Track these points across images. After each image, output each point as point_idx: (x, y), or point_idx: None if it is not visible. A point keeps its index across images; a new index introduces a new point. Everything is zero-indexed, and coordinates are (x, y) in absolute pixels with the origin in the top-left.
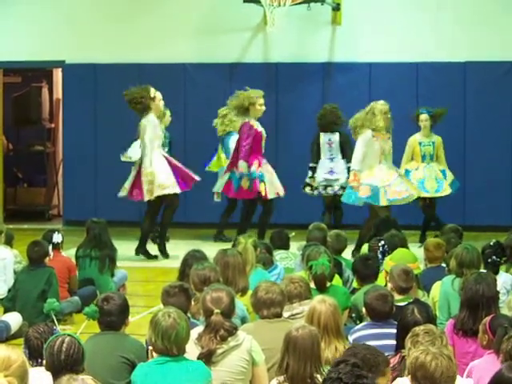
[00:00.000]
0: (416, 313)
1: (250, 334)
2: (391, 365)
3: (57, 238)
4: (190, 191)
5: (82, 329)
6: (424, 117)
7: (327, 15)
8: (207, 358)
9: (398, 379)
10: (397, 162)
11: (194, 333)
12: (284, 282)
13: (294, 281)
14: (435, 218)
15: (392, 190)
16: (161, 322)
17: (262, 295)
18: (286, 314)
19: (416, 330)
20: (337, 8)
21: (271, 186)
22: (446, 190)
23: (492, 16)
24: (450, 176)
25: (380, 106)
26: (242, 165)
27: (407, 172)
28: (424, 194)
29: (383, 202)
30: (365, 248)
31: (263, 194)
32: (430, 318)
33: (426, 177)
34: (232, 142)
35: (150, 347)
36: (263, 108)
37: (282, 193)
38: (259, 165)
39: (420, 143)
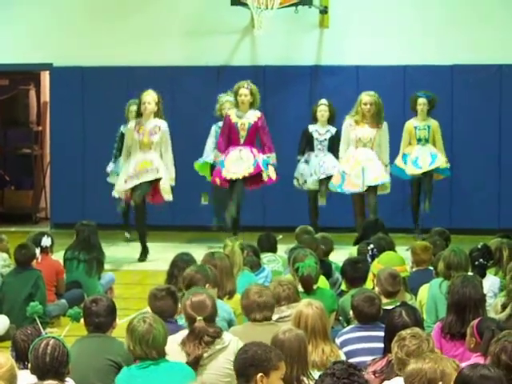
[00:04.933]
0: (404, 315)
1: (239, 337)
2: (379, 368)
3: (46, 241)
4: (179, 194)
5: (67, 331)
6: (422, 101)
7: (315, 18)
8: (194, 364)
9: (386, 382)
10: (393, 149)
11: (180, 336)
12: (272, 285)
13: (283, 283)
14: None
15: (349, 181)
16: (137, 328)
17: (256, 298)
18: (274, 317)
19: (402, 334)
20: (324, 11)
21: (227, 171)
22: (439, 161)
23: (479, 19)
24: (441, 160)
25: (362, 96)
26: (215, 154)
27: (404, 156)
28: (418, 171)
29: (344, 192)
30: (354, 251)
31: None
32: (418, 321)
33: (420, 155)
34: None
35: None
36: (241, 98)
37: (235, 177)
38: (227, 154)
39: (415, 127)
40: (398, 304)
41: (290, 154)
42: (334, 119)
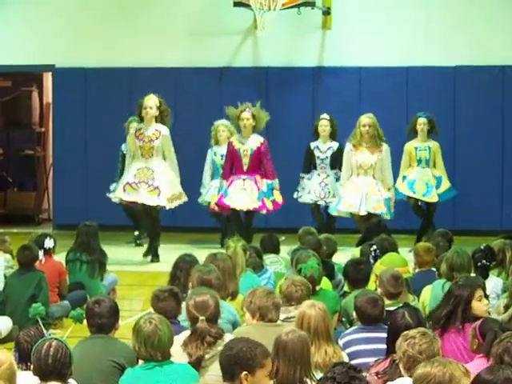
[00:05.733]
0: (407, 316)
1: (252, 337)
2: (381, 369)
3: (49, 243)
4: None
5: (69, 332)
6: (422, 120)
7: (317, 19)
8: (196, 364)
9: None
10: (393, 170)
11: (182, 337)
12: (286, 284)
13: (297, 284)
14: (429, 223)
15: (344, 202)
16: (142, 329)
17: (274, 299)
18: (281, 316)
19: (410, 333)
20: (327, 12)
21: (230, 199)
22: (433, 198)
23: (482, 20)
24: (445, 183)
25: (361, 118)
26: (219, 181)
27: (404, 178)
28: (411, 194)
29: (337, 212)
30: (356, 252)
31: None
32: (421, 322)
33: (417, 179)
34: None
35: None
36: (244, 122)
37: (238, 208)
38: (230, 183)
39: (416, 148)
40: (401, 305)
41: (292, 155)
42: (336, 134)
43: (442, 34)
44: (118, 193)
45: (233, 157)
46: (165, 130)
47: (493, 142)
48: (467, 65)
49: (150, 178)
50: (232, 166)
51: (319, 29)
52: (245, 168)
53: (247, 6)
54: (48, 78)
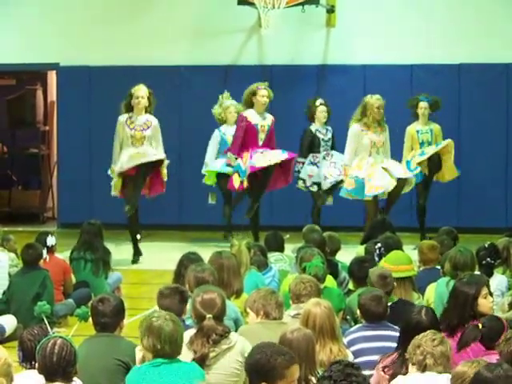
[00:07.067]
0: (423, 314)
1: (253, 335)
2: (389, 362)
3: (51, 240)
4: (186, 193)
5: (74, 331)
6: (423, 104)
7: (321, 17)
8: (201, 362)
9: (399, 377)
10: (396, 155)
11: (187, 336)
12: (294, 282)
13: (305, 281)
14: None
15: (371, 185)
16: (164, 328)
17: (278, 298)
18: (292, 313)
19: (426, 333)
20: (331, 10)
21: (258, 162)
22: (447, 142)
23: (486, 18)
24: None
25: (372, 100)
26: (229, 156)
27: (408, 163)
28: (423, 158)
29: (366, 197)
30: (361, 250)
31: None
32: (435, 322)
33: (425, 148)
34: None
35: (141, 352)
36: (264, 99)
37: (273, 162)
38: (249, 157)
39: (418, 131)
40: (396, 300)
41: (296, 153)
42: (330, 119)
43: (446, 32)
44: (121, 168)
45: (247, 131)
46: (155, 121)
47: (497, 139)
48: (471, 62)
49: (143, 157)
50: (243, 141)
51: (323, 27)
52: (260, 143)
53: (251, 4)
54: (52, 77)
